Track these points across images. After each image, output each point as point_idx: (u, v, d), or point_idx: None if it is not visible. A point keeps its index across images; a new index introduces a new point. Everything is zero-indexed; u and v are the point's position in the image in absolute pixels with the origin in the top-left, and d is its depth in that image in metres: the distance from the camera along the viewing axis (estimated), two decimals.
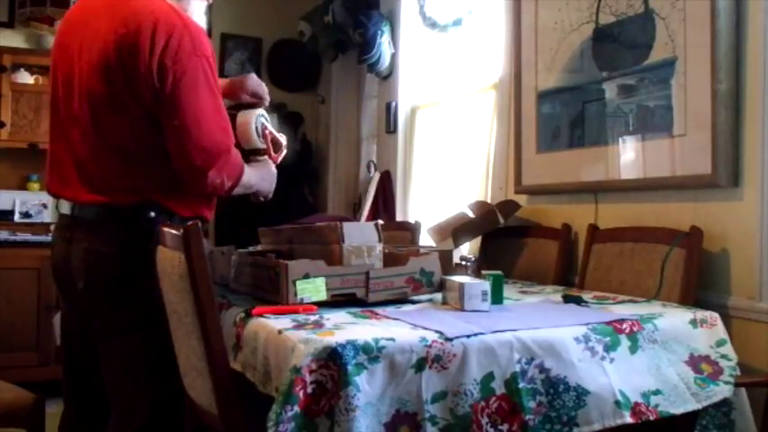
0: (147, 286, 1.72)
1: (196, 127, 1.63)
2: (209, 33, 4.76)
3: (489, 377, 1.41)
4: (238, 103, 2.00)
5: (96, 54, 1.67)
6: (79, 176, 1.73)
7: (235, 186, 1.76)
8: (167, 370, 1.75)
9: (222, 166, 1.68)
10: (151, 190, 1.71)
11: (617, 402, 1.50)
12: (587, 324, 1.58)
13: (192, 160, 1.65)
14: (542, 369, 1.47)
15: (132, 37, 1.62)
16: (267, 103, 2.06)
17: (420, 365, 1.36)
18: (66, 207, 1.78)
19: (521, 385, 1.43)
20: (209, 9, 1.96)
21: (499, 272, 1.88)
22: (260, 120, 1.97)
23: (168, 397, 1.77)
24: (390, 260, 1.85)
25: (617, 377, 1.53)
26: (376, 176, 4.20)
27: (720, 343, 1.73)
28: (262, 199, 1.96)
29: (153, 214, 1.71)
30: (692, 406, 1.59)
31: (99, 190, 1.70)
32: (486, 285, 1.74)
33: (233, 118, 1.90)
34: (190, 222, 1.52)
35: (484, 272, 1.90)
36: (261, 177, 1.90)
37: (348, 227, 1.78)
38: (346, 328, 1.45)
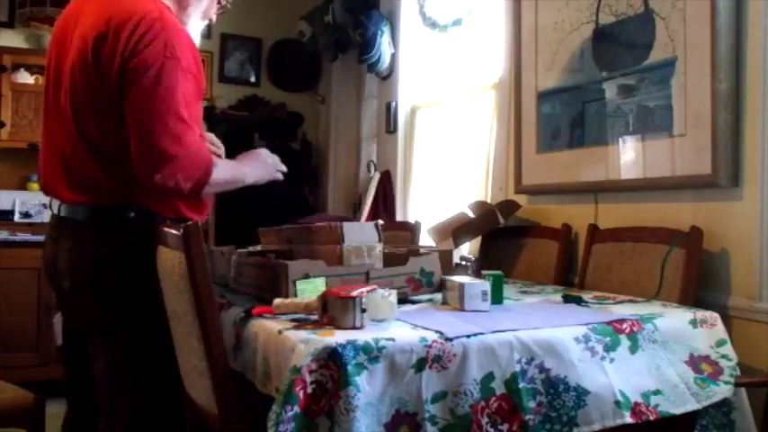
0: (132, 286, 1.71)
1: (142, 131, 1.59)
2: (209, 34, 4.78)
3: (489, 377, 1.41)
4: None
5: (79, 51, 1.66)
6: (65, 175, 1.72)
7: (201, 186, 1.67)
8: (159, 370, 1.75)
9: (172, 171, 1.60)
10: (131, 192, 1.69)
11: (617, 402, 1.50)
12: (587, 324, 1.58)
13: (138, 163, 1.61)
14: (542, 369, 1.47)
15: (111, 35, 1.60)
16: (222, 155, 1.95)
17: (420, 365, 1.36)
18: (55, 207, 1.78)
19: (521, 385, 1.43)
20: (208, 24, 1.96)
21: (499, 272, 1.88)
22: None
23: (158, 398, 1.76)
24: (390, 260, 1.85)
25: (617, 377, 1.53)
26: (376, 176, 4.20)
27: (720, 343, 1.73)
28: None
29: (133, 214, 1.70)
30: (692, 406, 1.59)
31: (82, 190, 1.70)
32: (486, 285, 1.74)
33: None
34: (189, 222, 1.51)
35: (484, 272, 1.90)
36: (252, 166, 1.89)
37: (348, 227, 1.78)
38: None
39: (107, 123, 1.65)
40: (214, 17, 1.94)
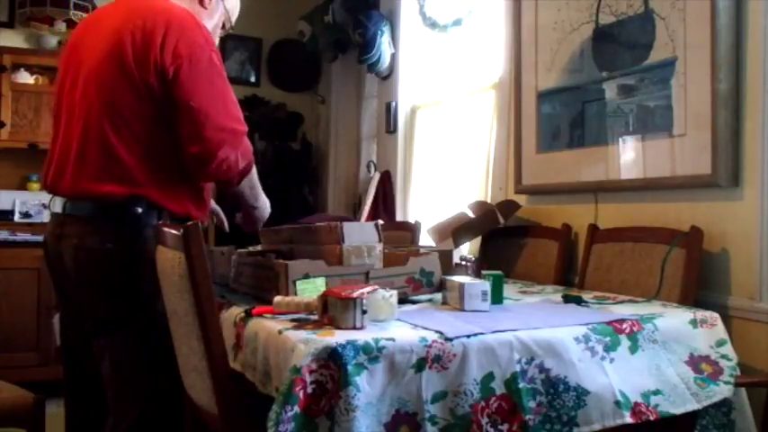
0: (137, 283, 1.72)
1: (213, 108, 1.71)
2: None
3: (489, 377, 1.41)
4: None
5: (110, 43, 1.72)
6: (76, 166, 1.74)
7: (247, 170, 1.83)
8: (162, 369, 1.75)
9: (237, 144, 1.75)
10: (145, 181, 1.72)
11: (617, 402, 1.50)
12: (587, 324, 1.58)
13: (207, 140, 1.69)
14: (542, 369, 1.47)
15: (148, 28, 1.70)
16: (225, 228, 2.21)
17: (420, 365, 1.36)
18: (58, 206, 1.80)
19: (521, 385, 1.43)
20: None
21: (499, 272, 1.88)
22: None
23: (162, 397, 1.76)
24: (390, 260, 1.85)
25: (617, 377, 1.53)
26: (376, 176, 4.20)
27: (720, 343, 1.73)
28: (251, 229, 2.09)
29: (140, 210, 1.71)
30: (692, 406, 1.59)
31: (94, 178, 1.71)
32: (486, 285, 1.74)
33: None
34: (190, 222, 1.52)
35: (484, 272, 1.90)
36: (265, 200, 2.04)
37: (348, 227, 1.78)
38: None
39: (140, 108, 1.71)
40: (217, 39, 2.03)
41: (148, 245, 1.71)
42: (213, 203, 2.15)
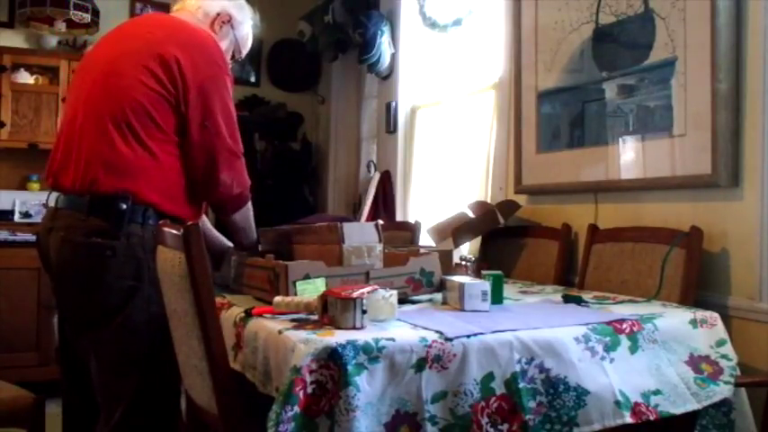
0: (118, 279, 1.72)
1: (224, 129, 1.83)
2: None
3: (489, 377, 1.41)
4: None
5: (129, 45, 1.82)
6: (77, 161, 1.76)
7: (244, 200, 1.94)
8: (149, 365, 1.75)
9: (239, 169, 1.87)
10: (138, 177, 1.74)
11: (617, 402, 1.50)
12: (587, 324, 1.58)
13: (209, 159, 1.81)
14: (542, 369, 1.47)
15: (172, 40, 1.81)
16: None
17: (420, 365, 1.36)
18: (53, 200, 1.84)
19: (521, 385, 1.43)
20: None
21: (499, 272, 1.88)
22: None
23: (150, 394, 1.76)
24: (390, 260, 1.85)
25: (617, 377, 1.53)
26: (376, 176, 4.20)
27: (720, 343, 1.73)
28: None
29: (125, 206, 1.72)
30: (692, 406, 1.59)
31: (91, 172, 1.73)
32: (486, 285, 1.74)
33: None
34: (190, 222, 1.52)
35: (484, 272, 1.90)
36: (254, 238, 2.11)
37: (348, 227, 1.78)
38: None
39: (151, 109, 1.76)
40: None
41: (133, 240, 1.72)
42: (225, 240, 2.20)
